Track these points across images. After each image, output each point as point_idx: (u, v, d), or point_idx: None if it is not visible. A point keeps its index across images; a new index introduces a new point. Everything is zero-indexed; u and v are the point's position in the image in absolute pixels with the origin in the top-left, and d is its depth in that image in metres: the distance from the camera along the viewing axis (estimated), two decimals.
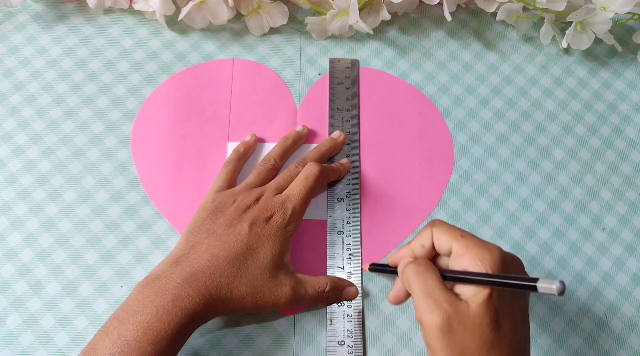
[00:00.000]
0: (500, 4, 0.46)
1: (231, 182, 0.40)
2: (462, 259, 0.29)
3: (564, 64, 0.49)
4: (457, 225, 0.42)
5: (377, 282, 0.40)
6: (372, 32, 0.46)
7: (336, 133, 0.43)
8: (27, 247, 0.39)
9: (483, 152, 0.45)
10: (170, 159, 0.42)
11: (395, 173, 0.43)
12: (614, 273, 0.42)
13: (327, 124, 0.44)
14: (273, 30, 0.48)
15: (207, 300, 0.32)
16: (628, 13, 0.46)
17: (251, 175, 0.40)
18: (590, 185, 0.44)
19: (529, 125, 0.46)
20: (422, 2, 0.48)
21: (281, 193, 0.38)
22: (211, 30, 0.48)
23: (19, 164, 0.42)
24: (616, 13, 0.45)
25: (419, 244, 0.32)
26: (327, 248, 0.40)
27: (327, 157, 0.42)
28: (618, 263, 0.42)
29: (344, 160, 0.42)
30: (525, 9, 0.48)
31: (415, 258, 0.31)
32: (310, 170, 0.38)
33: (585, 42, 0.47)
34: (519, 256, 0.31)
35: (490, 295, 0.28)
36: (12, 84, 0.44)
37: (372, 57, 0.48)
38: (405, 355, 0.38)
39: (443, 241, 0.31)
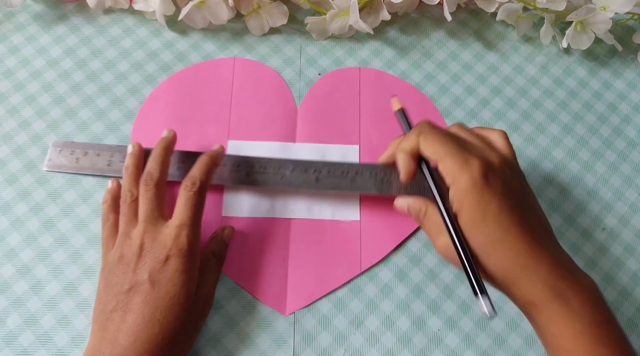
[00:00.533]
0: (500, 4, 0.46)
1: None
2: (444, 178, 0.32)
3: (564, 64, 0.49)
4: None
5: (377, 282, 0.40)
6: (372, 32, 0.46)
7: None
8: (27, 247, 0.39)
9: None
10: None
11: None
12: (614, 273, 0.42)
13: (327, 124, 0.44)
14: (273, 30, 0.48)
15: None
16: (628, 13, 0.46)
17: (120, 224, 0.36)
18: (590, 185, 0.44)
19: (529, 125, 0.46)
20: (422, 2, 0.48)
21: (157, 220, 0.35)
22: (211, 30, 0.48)
23: (19, 164, 0.42)
24: (616, 13, 0.45)
25: (408, 146, 0.34)
26: (326, 248, 0.40)
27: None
28: (618, 263, 0.42)
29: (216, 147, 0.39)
30: (525, 9, 0.48)
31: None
32: (194, 187, 0.35)
33: (585, 42, 0.47)
34: None
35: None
36: (12, 84, 0.44)
37: (372, 57, 0.48)
38: (405, 355, 0.38)
39: (429, 154, 0.33)
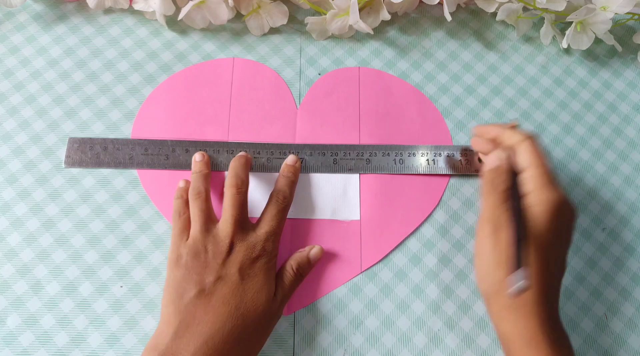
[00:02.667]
0: (500, 4, 0.46)
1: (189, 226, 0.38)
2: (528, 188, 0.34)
3: (564, 64, 0.49)
4: (457, 225, 0.42)
5: (377, 282, 0.40)
6: (372, 32, 0.46)
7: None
8: (27, 247, 0.39)
9: None
10: None
11: (395, 173, 0.43)
12: (614, 273, 0.42)
13: (327, 124, 0.44)
14: (273, 30, 0.48)
15: None
16: (628, 13, 0.46)
17: (197, 218, 0.37)
18: (590, 185, 0.44)
19: (529, 125, 0.46)
20: (422, 2, 0.48)
21: (247, 226, 0.37)
22: (211, 30, 0.48)
23: (19, 164, 0.42)
24: (616, 13, 0.45)
25: (509, 139, 0.36)
26: (326, 248, 0.40)
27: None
28: (618, 263, 0.42)
29: (290, 160, 0.41)
30: (525, 9, 0.48)
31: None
32: (281, 201, 0.39)
33: (585, 42, 0.47)
34: None
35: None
36: (12, 84, 0.44)
37: (372, 57, 0.48)
38: (405, 355, 0.38)
39: (527, 155, 0.35)
